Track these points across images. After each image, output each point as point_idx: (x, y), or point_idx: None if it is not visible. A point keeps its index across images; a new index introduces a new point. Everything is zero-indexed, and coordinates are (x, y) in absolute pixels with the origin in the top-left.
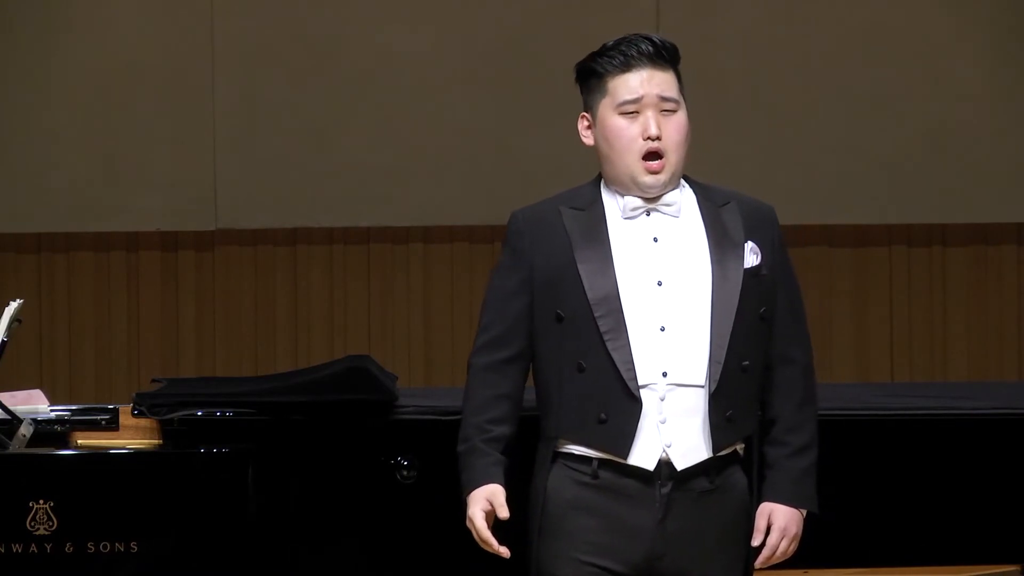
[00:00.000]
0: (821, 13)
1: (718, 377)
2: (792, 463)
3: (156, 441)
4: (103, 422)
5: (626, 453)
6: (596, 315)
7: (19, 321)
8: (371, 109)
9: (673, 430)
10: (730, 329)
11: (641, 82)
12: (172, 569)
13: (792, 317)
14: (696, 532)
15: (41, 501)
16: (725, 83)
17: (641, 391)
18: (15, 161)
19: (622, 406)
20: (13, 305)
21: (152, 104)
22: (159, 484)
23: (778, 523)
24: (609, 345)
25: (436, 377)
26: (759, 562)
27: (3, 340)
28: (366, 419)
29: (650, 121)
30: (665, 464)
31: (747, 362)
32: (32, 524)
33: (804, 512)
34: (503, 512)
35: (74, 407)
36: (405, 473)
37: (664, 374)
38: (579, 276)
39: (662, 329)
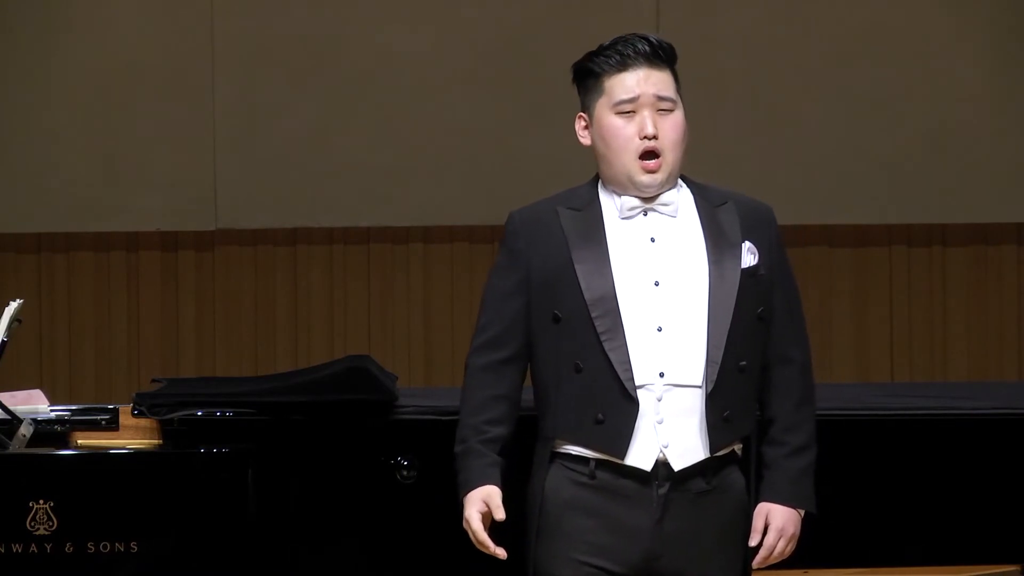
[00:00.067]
0: (821, 13)
1: (715, 377)
2: (790, 463)
3: (156, 441)
4: (103, 422)
5: (623, 453)
6: (593, 315)
7: (19, 321)
8: (371, 109)
9: (670, 430)
10: (727, 329)
11: (637, 81)
12: (172, 569)
13: (790, 317)
14: (694, 532)
15: (41, 501)
16: (725, 83)
17: (638, 391)
18: (15, 161)
19: (619, 406)
20: (13, 305)
21: (152, 104)
22: (159, 484)
23: (775, 523)
24: (606, 345)
25: (436, 377)
26: (756, 562)
27: (3, 340)
28: (366, 419)
29: (647, 120)
30: (662, 464)
31: (744, 362)
32: (32, 524)
33: (802, 512)
34: (499, 514)
35: (74, 407)
36: (405, 473)
37: (661, 374)
38: (576, 276)
39: (659, 329)
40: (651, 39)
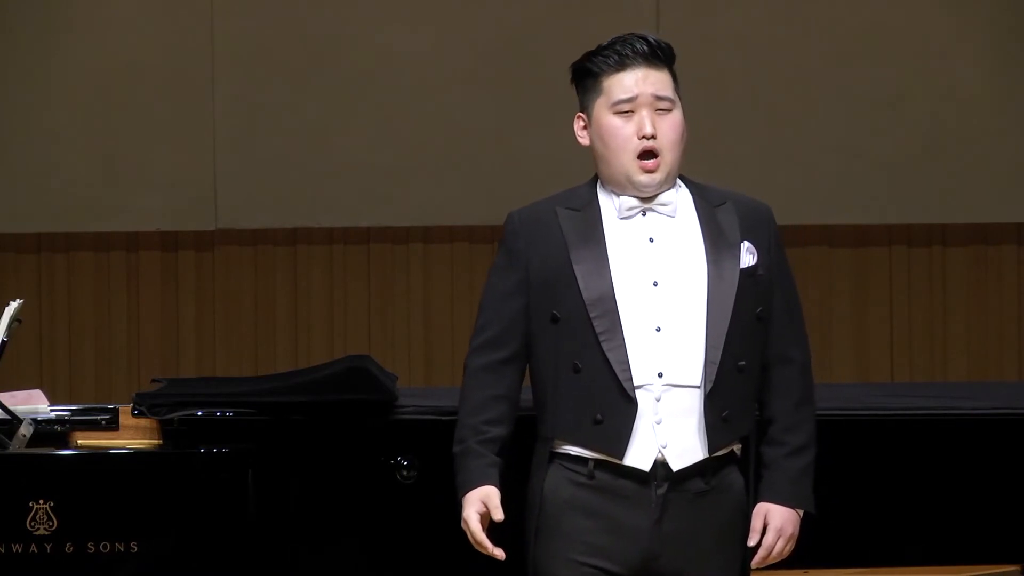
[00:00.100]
0: (821, 13)
1: (714, 377)
2: (789, 463)
3: (156, 441)
4: (103, 422)
5: (622, 454)
6: (591, 315)
7: (19, 321)
8: (371, 109)
9: (669, 431)
10: (726, 329)
11: (636, 81)
12: (172, 569)
13: (789, 317)
14: (692, 533)
15: (41, 501)
16: (725, 83)
17: (637, 392)
18: (15, 161)
19: (618, 407)
20: (13, 305)
21: (152, 104)
22: (159, 484)
23: (774, 523)
24: (604, 346)
25: (436, 377)
26: (755, 562)
27: (3, 340)
28: (366, 419)
29: (645, 120)
30: (661, 465)
31: (743, 362)
32: (32, 524)
33: (801, 512)
34: (498, 514)
35: (74, 407)
36: (405, 473)
37: (660, 375)
38: (575, 277)
39: (658, 330)
40: (649, 39)
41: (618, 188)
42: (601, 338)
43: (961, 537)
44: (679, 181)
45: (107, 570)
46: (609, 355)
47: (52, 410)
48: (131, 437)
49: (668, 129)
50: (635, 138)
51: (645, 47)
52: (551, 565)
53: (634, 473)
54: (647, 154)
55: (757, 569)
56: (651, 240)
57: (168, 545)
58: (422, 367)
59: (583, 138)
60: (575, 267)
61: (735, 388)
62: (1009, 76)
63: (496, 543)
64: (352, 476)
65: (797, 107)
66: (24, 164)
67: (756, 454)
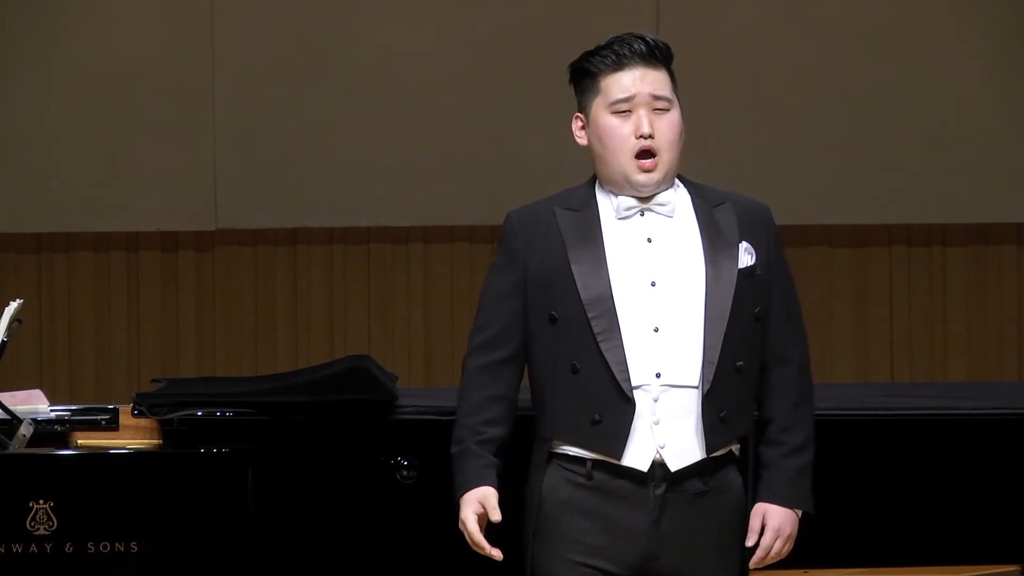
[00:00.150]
0: (821, 13)
1: (711, 378)
2: (787, 463)
3: (156, 441)
4: (103, 422)
5: (620, 454)
6: (589, 316)
7: (19, 321)
8: (371, 109)
9: (667, 431)
10: (723, 330)
11: (633, 81)
12: (172, 569)
13: (787, 316)
14: (690, 533)
15: (41, 501)
16: (725, 83)
17: (634, 392)
18: (15, 161)
19: (615, 407)
20: (13, 305)
21: (152, 104)
22: (159, 484)
23: (772, 523)
24: (602, 346)
25: (436, 377)
26: (753, 562)
27: (3, 340)
28: (366, 419)
29: (643, 120)
30: (659, 465)
31: (741, 362)
32: (32, 524)
33: (799, 512)
34: (495, 515)
35: (74, 407)
36: (405, 473)
37: (657, 375)
38: (572, 277)
39: (655, 330)
40: (647, 39)
41: (616, 188)
42: (599, 338)
43: (961, 537)
44: (677, 181)
45: (107, 570)
46: (607, 355)
47: (52, 410)
48: (131, 437)
49: (666, 129)
50: (632, 138)
51: (643, 47)
52: (549, 565)
53: (632, 473)
54: (645, 154)
55: (755, 569)
56: (649, 240)
57: (168, 545)
58: (422, 367)
59: (581, 138)
60: (573, 267)
61: (733, 388)
62: (1009, 76)
63: (495, 543)
64: (352, 476)
65: (797, 107)
66: (24, 164)
67: (754, 454)
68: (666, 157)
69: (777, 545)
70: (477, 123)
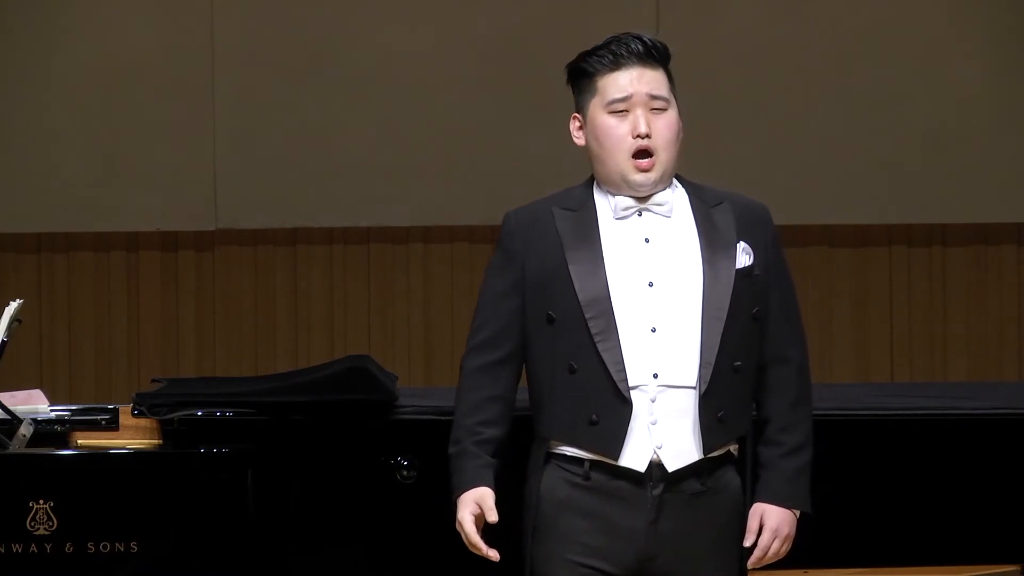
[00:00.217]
0: (821, 14)
1: (708, 378)
2: (785, 463)
3: (156, 441)
4: (103, 422)
5: (617, 454)
6: (587, 316)
7: (19, 321)
8: (371, 109)
9: (664, 431)
10: (721, 330)
11: (630, 80)
12: (172, 569)
13: (786, 316)
14: (688, 534)
15: (41, 501)
16: (725, 83)
17: (632, 392)
18: (15, 161)
19: (613, 407)
20: (13, 305)
21: (152, 104)
22: (159, 484)
23: (770, 523)
24: (600, 346)
25: (436, 377)
26: (751, 562)
27: (3, 340)
28: (366, 419)
29: (639, 119)
30: (656, 465)
31: (739, 363)
32: (32, 524)
33: (797, 512)
34: (492, 516)
35: (74, 407)
36: (405, 473)
37: (655, 375)
38: (570, 277)
39: (653, 330)
40: (644, 38)
41: (614, 188)
42: (596, 339)
43: (961, 537)
44: (675, 181)
45: (107, 570)
46: (604, 356)
47: (52, 410)
48: (131, 437)
49: (663, 128)
50: (630, 137)
51: (640, 47)
52: (548, 565)
53: (629, 474)
54: (642, 153)
55: (754, 569)
56: (647, 240)
57: (168, 545)
58: (422, 367)
59: (579, 138)
60: (570, 268)
61: (731, 388)
62: (1009, 76)
63: (493, 544)
64: (352, 476)
65: (797, 107)
66: (24, 164)
67: (753, 454)
68: (663, 157)
69: (775, 545)
70: (477, 123)
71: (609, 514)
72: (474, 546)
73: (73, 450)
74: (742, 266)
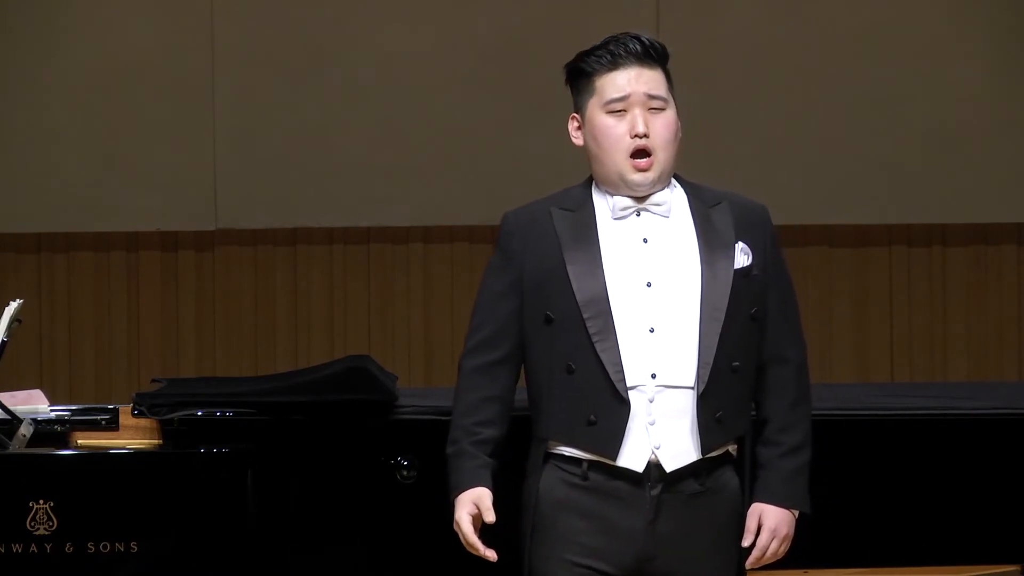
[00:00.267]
0: (821, 13)
1: (707, 378)
2: (784, 463)
3: (156, 441)
4: (103, 422)
5: (615, 455)
6: (585, 316)
7: (19, 321)
8: (371, 109)
9: (662, 432)
10: (719, 330)
11: (628, 80)
12: (172, 569)
13: (785, 316)
14: (687, 534)
15: (41, 501)
16: (725, 83)
17: (630, 393)
18: (15, 161)
19: (611, 408)
20: (13, 305)
21: (152, 104)
22: (159, 484)
23: (768, 523)
24: (598, 347)
25: (436, 377)
26: (749, 563)
27: (3, 340)
28: (366, 419)
29: (637, 119)
30: (654, 466)
31: (737, 363)
32: (32, 524)
33: (796, 513)
34: (489, 516)
35: (74, 407)
36: (405, 473)
37: (653, 375)
38: (568, 277)
39: (651, 330)
40: (642, 38)
41: (612, 188)
42: (594, 339)
43: (961, 537)
44: (674, 181)
45: (107, 570)
46: (602, 356)
47: (52, 410)
48: (131, 437)
49: (661, 128)
50: (627, 137)
51: (638, 46)
52: (546, 566)
53: (628, 474)
54: (640, 153)
55: (754, 569)
56: (645, 240)
57: (168, 545)
58: (422, 367)
59: (577, 138)
60: (568, 268)
61: (729, 389)
62: (1009, 76)
63: (492, 544)
64: (352, 476)
65: (797, 107)
66: (24, 164)
67: (752, 454)
68: (661, 156)
69: (773, 545)
70: (477, 123)
71: (608, 514)
72: (471, 546)
73: (73, 450)
74: (740, 266)
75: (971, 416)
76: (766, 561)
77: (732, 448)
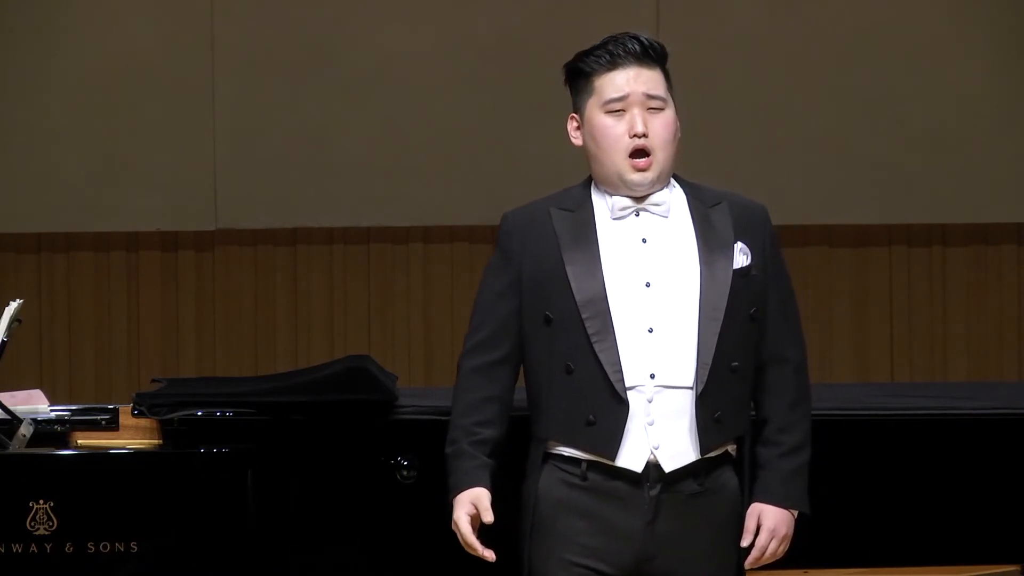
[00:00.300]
0: (821, 13)
1: (706, 378)
2: (783, 463)
3: (156, 441)
4: (103, 422)
5: (614, 455)
6: (583, 317)
7: (19, 321)
8: (371, 109)
9: (661, 432)
10: (718, 330)
11: (627, 80)
12: (172, 569)
13: (784, 316)
14: (686, 534)
15: (41, 501)
16: (725, 83)
17: (628, 393)
18: (15, 161)
19: (610, 408)
20: (13, 305)
21: (152, 104)
22: (159, 484)
23: (767, 523)
24: (596, 347)
25: (436, 377)
26: (748, 563)
27: (3, 340)
28: (366, 419)
29: (636, 119)
30: (653, 466)
31: (736, 363)
32: (32, 524)
33: (795, 513)
34: (487, 516)
35: (74, 407)
36: (405, 473)
37: (652, 376)
38: (567, 278)
39: (650, 331)
40: (641, 38)
41: (611, 188)
42: (593, 339)
43: (961, 537)
44: (673, 181)
45: (107, 570)
46: (601, 356)
47: (52, 410)
48: (131, 437)
49: (660, 128)
50: (626, 137)
51: (637, 46)
52: (545, 566)
53: (626, 474)
54: (639, 153)
55: (751, 569)
56: (644, 241)
57: (168, 545)
58: (422, 367)
59: (576, 138)
60: (567, 268)
61: (728, 389)
62: (1009, 76)
63: (491, 544)
64: (352, 476)
65: (797, 107)
66: (24, 164)
67: (751, 454)
68: (660, 156)
69: (772, 545)
70: (477, 123)
71: (607, 514)
72: (470, 546)
73: (73, 450)
74: (739, 266)
75: (971, 416)
76: (765, 561)
77: (731, 448)
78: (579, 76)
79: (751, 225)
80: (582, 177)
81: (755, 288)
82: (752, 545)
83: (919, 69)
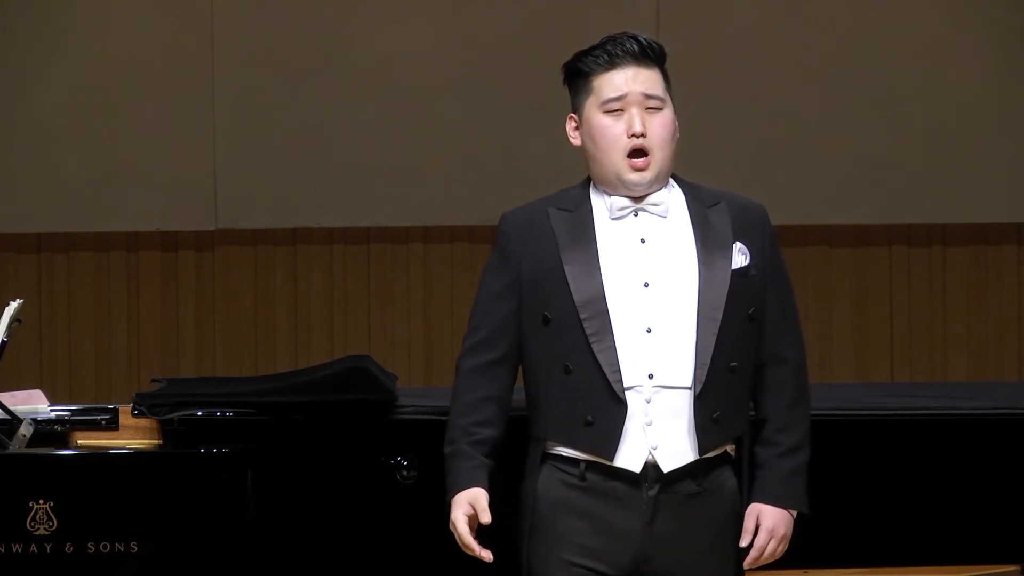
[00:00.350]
0: (821, 13)
1: (704, 379)
2: (782, 463)
3: (156, 441)
4: (103, 422)
5: (612, 455)
6: (582, 317)
7: (19, 321)
8: (371, 109)
9: (659, 432)
10: (716, 330)
11: (626, 80)
12: (172, 569)
13: (783, 316)
14: (684, 534)
15: (41, 501)
16: (725, 83)
17: (627, 393)
18: (15, 161)
19: (608, 408)
20: (13, 305)
21: (152, 104)
22: (159, 484)
23: (766, 524)
24: (595, 347)
25: (436, 377)
26: (747, 563)
27: (3, 340)
28: (366, 419)
29: (635, 118)
30: (652, 466)
31: (735, 363)
32: (32, 524)
33: (794, 513)
34: (485, 517)
35: (74, 407)
36: (405, 473)
37: (650, 376)
38: (566, 278)
39: (648, 331)
40: (640, 38)
41: (609, 188)
42: (591, 339)
43: (961, 537)
44: (672, 181)
45: (107, 570)
46: (599, 356)
47: (52, 410)
48: (131, 437)
49: (658, 128)
50: (625, 137)
51: (635, 46)
52: (544, 566)
53: (625, 474)
54: (637, 152)
55: (753, 569)
56: (642, 241)
57: (168, 545)
58: (422, 367)
59: (575, 138)
60: (566, 268)
61: (726, 389)
62: (1009, 76)
63: (492, 544)
64: (352, 476)
65: (797, 107)
66: (24, 164)
67: (750, 454)
68: (659, 156)
69: (771, 546)
70: (477, 123)
71: (605, 515)
72: (467, 547)
73: (73, 450)
74: (738, 266)
75: (971, 416)
76: (764, 561)
77: (730, 448)
78: (578, 76)
79: (750, 225)
80: (582, 177)
81: (754, 288)
82: (751, 545)
83: (919, 69)
